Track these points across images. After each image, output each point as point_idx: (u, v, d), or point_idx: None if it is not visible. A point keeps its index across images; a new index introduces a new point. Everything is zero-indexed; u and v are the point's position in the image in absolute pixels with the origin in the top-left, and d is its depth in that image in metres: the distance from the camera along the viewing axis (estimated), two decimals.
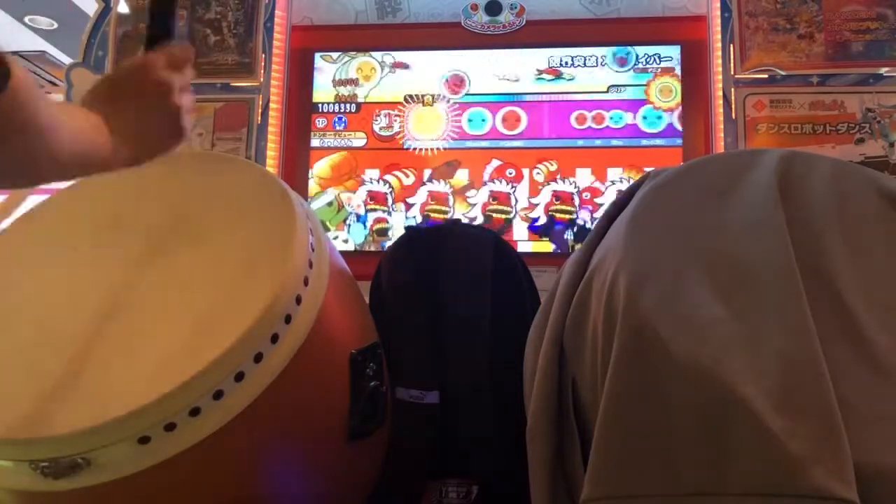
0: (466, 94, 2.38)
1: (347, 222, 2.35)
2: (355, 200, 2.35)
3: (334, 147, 2.39)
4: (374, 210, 2.34)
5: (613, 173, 2.30)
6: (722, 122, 2.17)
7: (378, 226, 2.34)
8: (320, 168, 2.38)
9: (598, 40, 2.36)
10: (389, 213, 2.33)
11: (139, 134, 0.61)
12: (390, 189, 2.36)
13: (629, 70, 2.33)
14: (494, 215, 2.31)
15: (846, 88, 2.11)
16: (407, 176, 2.37)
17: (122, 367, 0.70)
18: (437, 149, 2.36)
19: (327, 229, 2.33)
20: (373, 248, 2.33)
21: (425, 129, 2.38)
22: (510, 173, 2.34)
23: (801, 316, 0.64)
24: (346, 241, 2.33)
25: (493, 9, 2.41)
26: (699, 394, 0.62)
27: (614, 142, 2.31)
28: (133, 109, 0.61)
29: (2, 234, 0.92)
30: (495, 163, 2.34)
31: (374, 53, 2.42)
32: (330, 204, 2.37)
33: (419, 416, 1.00)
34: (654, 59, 2.33)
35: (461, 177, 2.35)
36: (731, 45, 2.18)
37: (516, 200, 2.32)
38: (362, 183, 2.37)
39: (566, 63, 2.36)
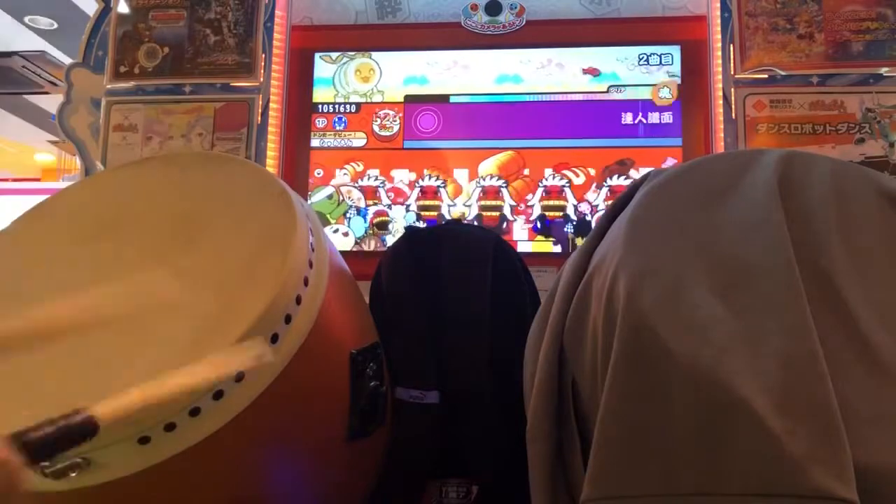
0: (464, 94, 2.38)
1: (347, 215, 2.35)
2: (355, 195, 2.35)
3: (334, 147, 2.40)
4: (375, 203, 2.34)
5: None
6: (722, 122, 2.17)
7: (378, 219, 2.35)
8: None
9: (598, 40, 2.37)
10: (389, 207, 2.33)
11: None
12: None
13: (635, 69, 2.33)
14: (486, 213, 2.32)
15: (846, 88, 2.11)
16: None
17: (121, 367, 0.70)
18: (435, 148, 2.36)
19: (327, 223, 2.33)
20: (373, 243, 2.33)
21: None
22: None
23: (801, 316, 0.64)
24: (346, 234, 2.33)
25: (493, 9, 2.41)
26: (699, 394, 0.62)
27: (614, 141, 2.31)
28: None
29: (1, 233, 0.92)
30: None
31: (373, 53, 2.42)
32: (330, 197, 2.37)
33: (419, 416, 1.00)
34: (654, 59, 2.33)
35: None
36: (731, 45, 2.18)
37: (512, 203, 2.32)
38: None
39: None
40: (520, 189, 2.32)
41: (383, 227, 2.32)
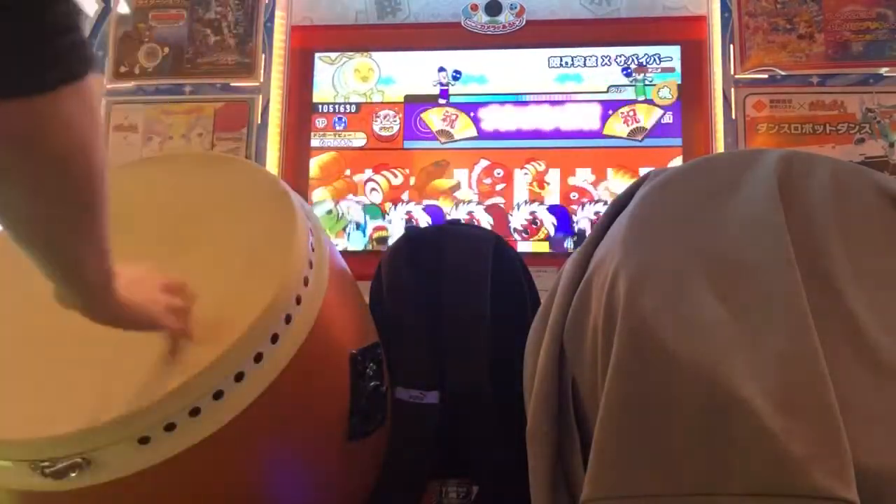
0: (463, 94, 2.38)
1: (347, 230, 2.35)
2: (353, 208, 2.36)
3: (334, 147, 2.40)
4: (375, 218, 2.34)
5: (613, 174, 2.30)
6: (722, 122, 2.17)
7: (378, 234, 2.34)
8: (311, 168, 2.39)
9: (598, 40, 2.36)
10: (389, 222, 2.33)
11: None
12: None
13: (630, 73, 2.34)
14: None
15: (846, 88, 2.11)
16: (396, 176, 2.38)
17: (122, 366, 0.70)
18: (435, 148, 2.36)
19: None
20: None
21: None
22: (498, 173, 2.35)
23: (801, 316, 0.64)
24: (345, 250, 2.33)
25: (493, 9, 2.41)
26: (699, 394, 0.62)
27: (613, 141, 2.31)
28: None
29: (2, 233, 0.92)
30: (483, 163, 2.35)
31: (373, 53, 2.42)
32: (329, 212, 2.36)
33: (419, 416, 1.00)
34: (655, 59, 2.33)
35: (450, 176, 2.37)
36: (731, 45, 2.18)
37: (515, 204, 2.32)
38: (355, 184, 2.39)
39: (566, 63, 2.36)
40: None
41: (383, 242, 2.31)
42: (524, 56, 2.38)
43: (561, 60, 2.37)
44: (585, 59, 2.36)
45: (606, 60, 2.35)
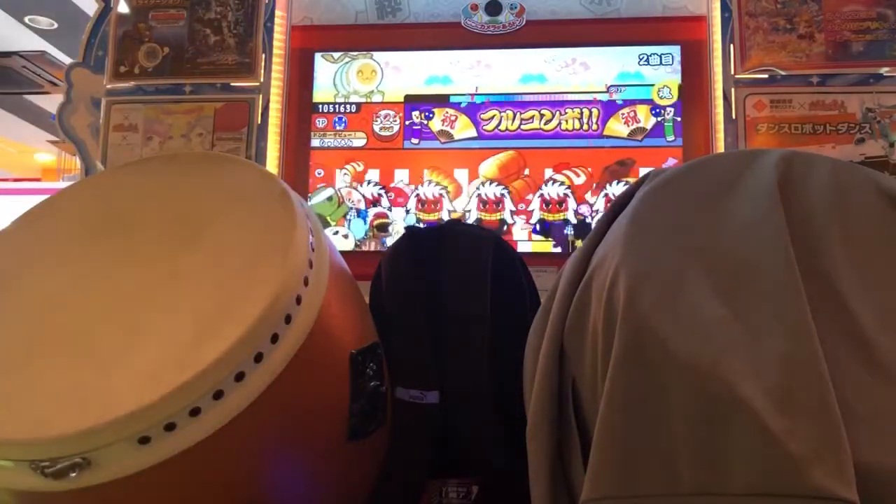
0: (461, 94, 2.38)
1: (348, 217, 2.36)
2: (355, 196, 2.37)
3: (334, 147, 2.40)
4: (375, 205, 2.35)
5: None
6: (722, 122, 2.17)
7: (378, 221, 2.35)
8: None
9: (598, 40, 2.37)
10: (390, 209, 2.34)
11: None
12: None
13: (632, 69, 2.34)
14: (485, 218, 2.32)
15: (846, 88, 2.11)
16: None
17: (122, 366, 0.70)
18: (435, 148, 2.37)
19: (328, 224, 2.33)
20: (373, 244, 2.33)
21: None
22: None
23: (801, 316, 0.64)
24: (346, 237, 2.33)
25: (493, 9, 2.41)
26: (699, 394, 0.62)
27: (613, 141, 2.31)
28: None
29: (1, 233, 0.92)
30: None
31: (374, 54, 2.43)
32: (330, 199, 2.37)
33: (419, 416, 1.00)
34: (654, 59, 2.33)
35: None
36: (731, 45, 2.18)
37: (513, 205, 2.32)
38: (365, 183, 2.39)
39: (568, 63, 2.37)
40: (520, 189, 2.32)
41: (383, 228, 2.32)
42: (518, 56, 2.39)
43: (561, 60, 2.37)
44: (585, 59, 2.36)
45: (606, 60, 2.35)
